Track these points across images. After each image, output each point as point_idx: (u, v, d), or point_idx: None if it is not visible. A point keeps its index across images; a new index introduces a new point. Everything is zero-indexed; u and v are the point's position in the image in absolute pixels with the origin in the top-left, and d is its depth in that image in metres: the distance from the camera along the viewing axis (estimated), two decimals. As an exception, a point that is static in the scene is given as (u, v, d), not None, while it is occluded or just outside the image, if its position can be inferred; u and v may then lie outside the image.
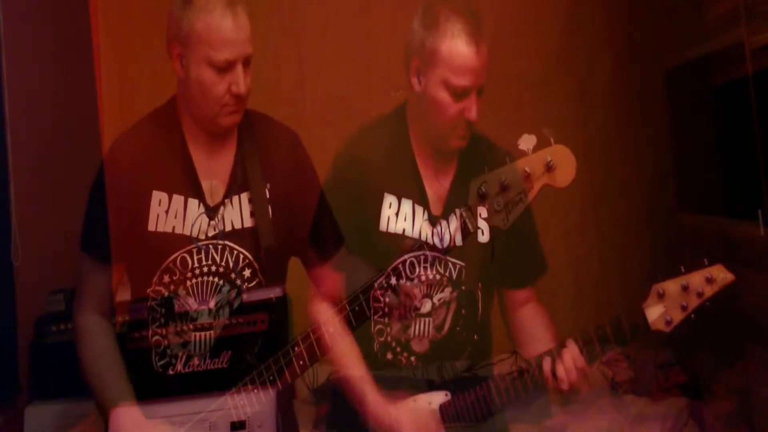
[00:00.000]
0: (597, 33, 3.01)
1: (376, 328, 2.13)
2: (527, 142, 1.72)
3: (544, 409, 2.22)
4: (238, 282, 1.96)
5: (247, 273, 1.97)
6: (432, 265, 2.07)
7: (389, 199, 2.11)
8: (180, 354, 1.95)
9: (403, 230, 2.09)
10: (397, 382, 2.09)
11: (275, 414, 1.87)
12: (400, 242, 2.01)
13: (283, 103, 2.99)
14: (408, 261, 1.90)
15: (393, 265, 1.87)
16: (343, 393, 2.07)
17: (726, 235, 2.47)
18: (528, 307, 2.18)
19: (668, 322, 1.82)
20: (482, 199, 1.73)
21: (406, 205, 2.11)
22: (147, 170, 1.96)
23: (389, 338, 2.12)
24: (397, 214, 2.10)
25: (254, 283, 1.97)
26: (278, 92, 3.00)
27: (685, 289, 1.81)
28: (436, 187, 2.13)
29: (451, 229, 2.06)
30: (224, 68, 1.87)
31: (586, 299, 2.93)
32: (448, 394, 1.98)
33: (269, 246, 1.96)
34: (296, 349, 1.86)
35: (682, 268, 1.83)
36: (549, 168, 1.71)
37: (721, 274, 1.81)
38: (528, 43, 3.00)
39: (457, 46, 1.98)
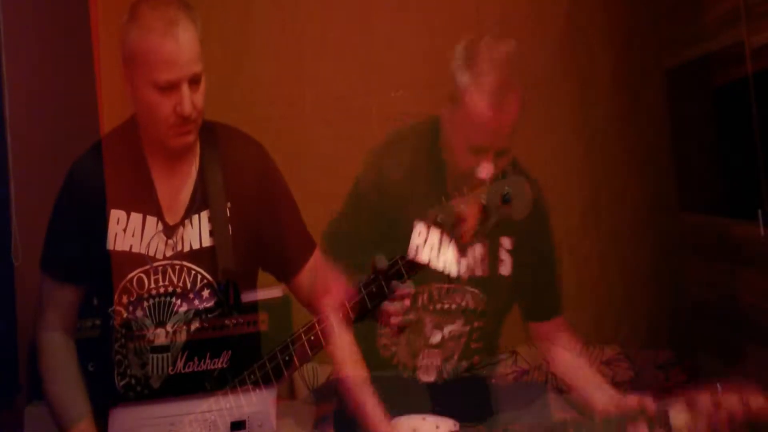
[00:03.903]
0: (597, 33, 3.01)
1: (382, 344, 2.12)
2: (484, 171, 1.68)
3: (544, 409, 2.22)
4: (196, 303, 1.92)
5: (205, 294, 1.93)
6: (447, 294, 2.03)
7: (418, 228, 1.96)
8: (139, 375, 1.94)
9: (429, 260, 1.99)
10: (400, 385, 2.09)
11: (275, 413, 1.86)
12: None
13: (283, 103, 2.99)
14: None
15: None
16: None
17: (726, 235, 2.47)
18: (558, 346, 2.12)
19: None
20: (439, 228, 1.68)
21: (434, 234, 1.92)
22: (107, 189, 1.92)
23: (396, 360, 2.11)
24: (425, 242, 2.01)
25: (212, 303, 1.92)
26: (278, 92, 3.00)
27: (717, 406, 1.71)
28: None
29: (476, 257, 2.00)
30: (167, 88, 1.82)
31: (587, 299, 2.92)
32: (457, 424, 1.91)
33: (227, 267, 1.90)
34: (294, 345, 1.84)
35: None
36: (505, 200, 1.63)
37: (758, 401, 1.69)
38: (528, 44, 3.00)
39: (479, 104, 1.83)
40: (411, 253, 1.73)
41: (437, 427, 1.94)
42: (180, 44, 1.81)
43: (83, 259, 1.94)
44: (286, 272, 2.03)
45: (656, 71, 2.95)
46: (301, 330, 1.83)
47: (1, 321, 2.64)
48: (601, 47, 3.02)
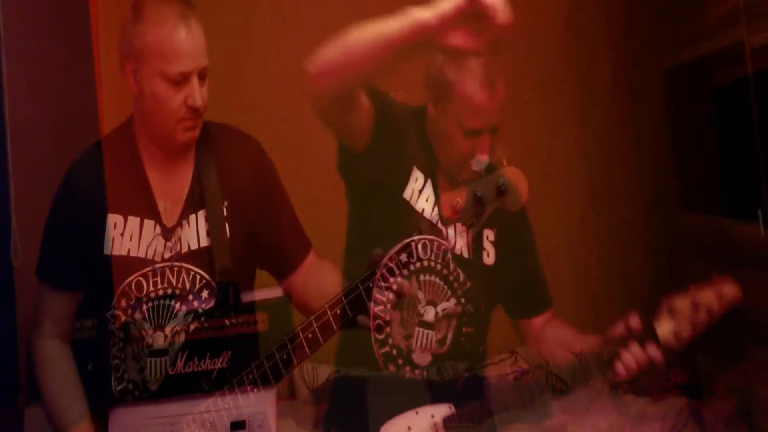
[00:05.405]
0: (597, 33, 3.01)
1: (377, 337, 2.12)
2: (479, 163, 1.71)
3: (544, 409, 2.22)
4: (195, 304, 1.93)
5: (204, 294, 1.94)
6: (444, 260, 2.05)
7: (416, 174, 2.07)
8: (137, 380, 1.94)
9: (423, 210, 2.06)
10: (399, 384, 2.08)
11: (274, 413, 1.86)
12: (418, 220, 2.00)
13: (282, 104, 2.98)
14: (419, 242, 1.82)
15: (401, 245, 1.78)
16: (344, 390, 2.06)
17: (726, 235, 2.47)
18: (546, 328, 2.18)
19: (679, 339, 1.83)
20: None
21: (429, 187, 2.07)
22: (103, 194, 1.93)
23: (391, 343, 2.11)
24: (420, 191, 2.08)
25: (211, 303, 1.93)
26: (278, 92, 3.00)
27: (696, 306, 1.82)
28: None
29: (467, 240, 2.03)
30: (179, 81, 1.84)
31: (586, 299, 2.92)
32: (452, 406, 1.95)
33: (224, 267, 1.91)
34: (292, 343, 1.83)
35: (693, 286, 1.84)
36: (500, 192, 1.67)
37: (730, 290, 1.82)
38: (528, 44, 3.00)
39: (472, 90, 1.98)
40: (407, 196, 1.91)
41: (432, 416, 1.95)
42: (192, 36, 1.85)
43: (80, 265, 1.94)
44: (281, 271, 2.03)
45: (656, 71, 2.95)
46: (298, 328, 1.83)
47: (1, 321, 2.64)
48: (601, 47, 3.02)
